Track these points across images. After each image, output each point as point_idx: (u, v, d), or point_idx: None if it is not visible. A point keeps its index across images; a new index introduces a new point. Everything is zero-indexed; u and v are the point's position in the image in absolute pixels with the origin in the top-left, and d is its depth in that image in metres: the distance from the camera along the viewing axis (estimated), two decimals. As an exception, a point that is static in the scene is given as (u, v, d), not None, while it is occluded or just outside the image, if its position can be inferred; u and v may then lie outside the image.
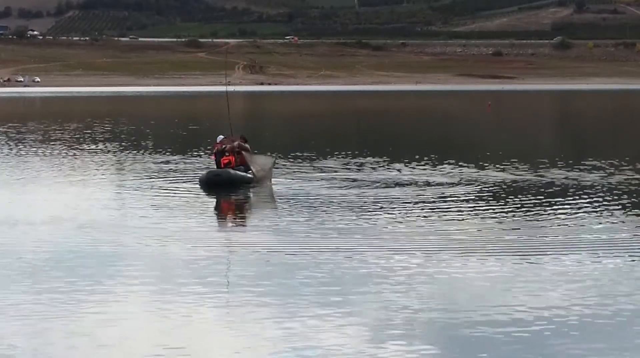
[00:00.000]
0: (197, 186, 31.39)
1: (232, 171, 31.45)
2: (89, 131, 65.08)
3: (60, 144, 52.04)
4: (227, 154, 31.96)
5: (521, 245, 20.39)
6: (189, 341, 13.16)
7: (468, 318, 14.17)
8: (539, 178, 33.75)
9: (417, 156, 42.29)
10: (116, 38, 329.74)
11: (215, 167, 32.65)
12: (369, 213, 25.03)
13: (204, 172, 33.01)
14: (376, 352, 12.54)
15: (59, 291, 16.00)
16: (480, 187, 31.03)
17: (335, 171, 36.50)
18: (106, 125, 73.01)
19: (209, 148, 41.12)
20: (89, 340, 13.17)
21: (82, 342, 13.09)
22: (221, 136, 33.01)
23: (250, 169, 31.77)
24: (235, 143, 32.23)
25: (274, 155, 33.18)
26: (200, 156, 43.31)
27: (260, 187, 31.25)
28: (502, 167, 37.65)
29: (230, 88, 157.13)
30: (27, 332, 13.60)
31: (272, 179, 32.50)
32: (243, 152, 32.18)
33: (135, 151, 47.12)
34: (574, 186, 31.42)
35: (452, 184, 31.82)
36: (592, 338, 13.21)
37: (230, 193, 29.86)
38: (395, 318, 14.11)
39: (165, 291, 15.98)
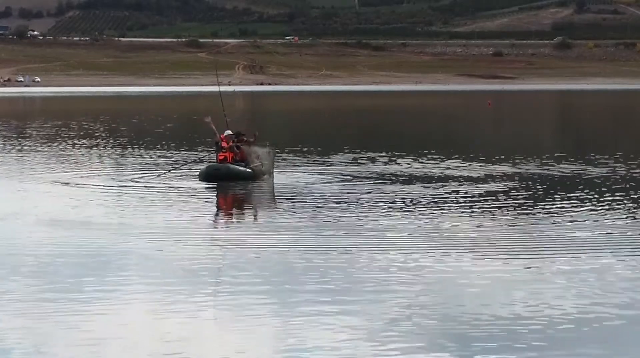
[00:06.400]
0: (197, 180, 31.33)
1: (231, 165, 31.34)
2: (87, 129, 64.98)
3: (57, 142, 51.93)
4: (224, 150, 31.81)
5: (525, 243, 20.17)
6: (188, 339, 12.99)
7: (469, 317, 13.98)
8: (544, 173, 33.62)
9: (418, 152, 42.16)
10: (116, 38, 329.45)
11: (215, 161, 32.52)
12: (370, 210, 24.87)
13: (203, 166, 32.86)
14: (376, 351, 12.38)
15: (57, 290, 15.80)
16: (484, 183, 30.89)
17: (338, 167, 36.37)
18: (104, 123, 72.96)
19: (209, 148, 40.91)
20: (89, 339, 12.98)
21: (81, 341, 12.91)
22: (228, 131, 32.49)
23: (250, 165, 31.67)
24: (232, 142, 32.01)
25: (273, 147, 32.98)
26: (200, 150, 43.19)
27: (261, 183, 31.10)
28: (503, 162, 37.49)
29: (230, 88, 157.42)
30: (27, 331, 13.41)
31: (274, 174, 32.36)
32: (243, 147, 32.05)
33: (133, 147, 47.04)
34: (580, 181, 31.28)
35: (456, 180, 31.67)
36: (597, 339, 13.02)
37: (230, 189, 29.72)
38: (396, 318, 13.92)
39: (164, 290, 15.79)
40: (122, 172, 35.26)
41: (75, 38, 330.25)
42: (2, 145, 49.67)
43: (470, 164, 37.11)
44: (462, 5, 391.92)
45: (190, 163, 35.97)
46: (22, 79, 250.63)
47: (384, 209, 24.89)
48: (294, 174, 33.81)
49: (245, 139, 32.64)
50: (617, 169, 35.13)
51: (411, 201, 26.35)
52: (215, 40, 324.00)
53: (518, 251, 19.03)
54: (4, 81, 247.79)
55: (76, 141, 52.33)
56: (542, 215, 23.75)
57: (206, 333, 13.31)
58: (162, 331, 13.31)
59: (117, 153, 44.68)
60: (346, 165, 37.25)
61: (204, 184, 30.62)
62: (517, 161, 38.32)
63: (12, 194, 29.16)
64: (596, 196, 27.39)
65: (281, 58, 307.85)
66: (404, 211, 24.56)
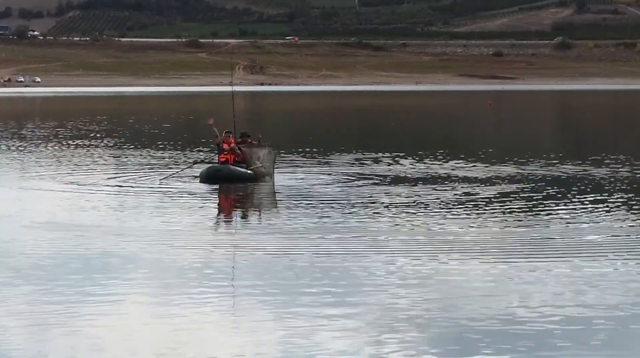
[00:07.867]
0: (198, 181, 31.31)
1: (232, 167, 31.37)
2: (86, 130, 64.94)
3: (55, 143, 51.87)
4: (225, 152, 31.83)
5: (527, 244, 20.13)
6: (189, 342, 12.96)
7: (472, 320, 13.95)
8: (545, 173, 33.56)
9: (419, 152, 42.09)
10: (117, 38, 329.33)
11: (217, 162, 32.52)
12: (372, 211, 24.83)
13: (204, 167, 32.84)
14: (377, 352, 12.35)
15: (56, 293, 15.75)
16: (486, 184, 30.83)
17: (338, 167, 36.34)
18: (103, 124, 72.90)
19: (211, 146, 40.89)
20: (91, 342, 12.95)
21: (83, 344, 12.88)
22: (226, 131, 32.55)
23: (251, 166, 31.68)
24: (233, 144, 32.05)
25: (275, 148, 32.96)
26: (200, 150, 43.16)
27: (262, 184, 31.08)
28: (504, 163, 37.44)
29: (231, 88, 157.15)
30: (27, 334, 13.37)
31: (275, 175, 32.32)
32: (244, 149, 32.08)
33: (132, 148, 46.99)
34: (581, 182, 31.23)
35: (457, 181, 31.62)
36: (596, 341, 12.98)
37: (231, 190, 29.69)
38: (397, 320, 13.90)
39: (165, 293, 15.75)
40: (122, 173, 35.19)
41: (75, 38, 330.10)
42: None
43: (472, 165, 37.05)
44: (462, 5, 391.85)
45: (193, 163, 35.87)
46: (22, 79, 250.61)
47: (385, 210, 24.84)
48: (295, 175, 33.77)
49: (250, 140, 32.68)
50: (618, 169, 35.09)
51: (413, 203, 26.30)
52: (215, 40, 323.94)
53: (520, 252, 18.99)
54: (4, 81, 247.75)
55: (75, 142, 52.26)
56: (544, 216, 23.70)
57: (207, 336, 13.27)
58: (162, 333, 13.28)
59: (116, 154, 44.63)
60: (347, 166, 37.21)
61: (204, 186, 30.58)
62: (518, 161, 38.26)
63: (8, 196, 29.08)
64: (598, 197, 27.35)
65: (281, 58, 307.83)
66: (406, 212, 24.50)
